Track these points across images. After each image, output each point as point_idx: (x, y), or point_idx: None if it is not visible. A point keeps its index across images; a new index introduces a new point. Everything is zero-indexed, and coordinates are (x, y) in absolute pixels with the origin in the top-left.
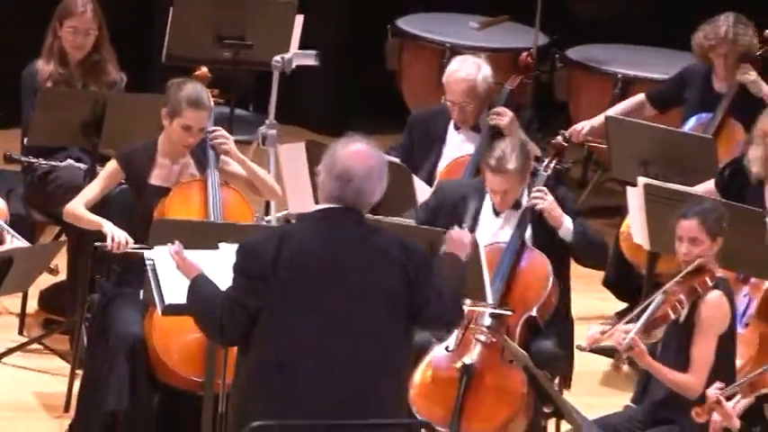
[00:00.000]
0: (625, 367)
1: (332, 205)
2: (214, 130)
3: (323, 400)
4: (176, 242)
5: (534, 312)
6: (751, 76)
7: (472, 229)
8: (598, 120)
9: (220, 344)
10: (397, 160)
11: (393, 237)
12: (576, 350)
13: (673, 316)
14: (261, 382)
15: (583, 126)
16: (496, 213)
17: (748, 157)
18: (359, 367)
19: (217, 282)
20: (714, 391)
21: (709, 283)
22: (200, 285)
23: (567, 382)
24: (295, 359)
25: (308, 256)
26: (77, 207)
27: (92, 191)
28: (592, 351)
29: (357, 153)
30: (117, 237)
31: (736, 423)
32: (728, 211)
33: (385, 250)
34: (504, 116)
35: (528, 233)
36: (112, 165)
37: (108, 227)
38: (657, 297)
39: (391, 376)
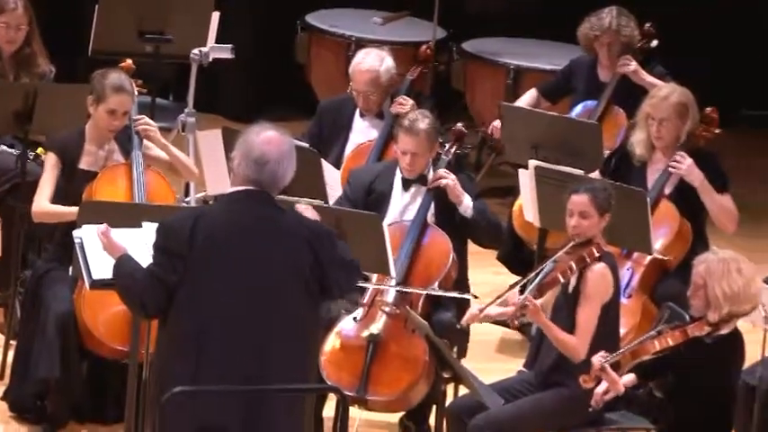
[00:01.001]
0: (518, 336)
1: (245, 187)
2: (139, 118)
3: (238, 367)
4: (105, 224)
5: (436, 285)
6: (631, 66)
7: (384, 206)
8: None
9: (143, 317)
10: (306, 145)
11: (300, 217)
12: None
13: (562, 280)
14: (180, 351)
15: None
16: (405, 188)
17: (631, 140)
18: (271, 337)
19: (140, 257)
20: (599, 359)
21: (596, 254)
22: (123, 264)
23: (463, 350)
24: (211, 330)
25: (222, 235)
26: (46, 206)
27: (47, 187)
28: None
29: (270, 139)
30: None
31: (621, 388)
32: (614, 191)
33: (293, 229)
34: (405, 105)
35: (431, 212)
36: (52, 157)
37: None
38: (548, 265)
39: (302, 345)
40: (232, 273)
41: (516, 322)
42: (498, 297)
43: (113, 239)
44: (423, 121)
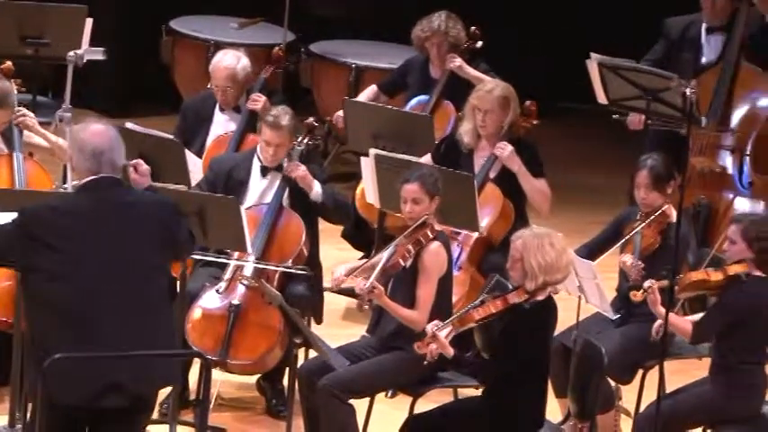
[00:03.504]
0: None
1: (93, 176)
2: (19, 111)
3: (108, 336)
4: None
5: (290, 262)
6: (456, 61)
7: (243, 191)
8: None
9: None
10: (171, 137)
11: (147, 195)
12: (324, 292)
13: (403, 263)
14: (56, 324)
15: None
16: (263, 175)
17: (460, 130)
18: (133, 305)
19: None
20: (431, 328)
21: (430, 236)
22: None
23: (318, 318)
24: (83, 303)
25: (82, 219)
26: None
27: None
28: (339, 293)
29: (97, 131)
30: None
31: (450, 351)
32: (444, 176)
33: (144, 206)
34: (259, 101)
35: (286, 197)
36: None
37: None
38: (390, 248)
39: (162, 311)
40: (95, 251)
41: (365, 306)
42: (359, 267)
43: None
44: (284, 117)
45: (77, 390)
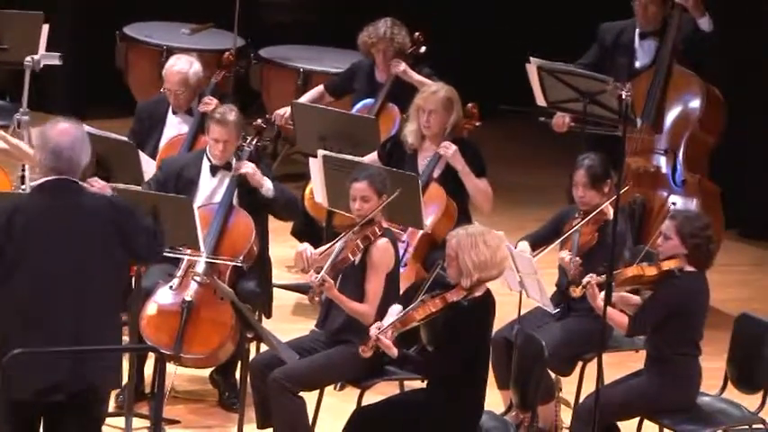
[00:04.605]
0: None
1: (51, 177)
2: None
3: (58, 336)
4: None
5: (241, 258)
6: (401, 66)
7: (193, 190)
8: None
9: None
10: (125, 139)
11: (102, 197)
12: (274, 288)
13: (352, 258)
14: (12, 322)
15: (285, 111)
16: (213, 174)
17: (405, 131)
18: (88, 303)
19: None
20: (374, 330)
21: (378, 232)
22: None
23: (267, 313)
24: (37, 302)
25: (36, 221)
26: None
27: None
28: (289, 289)
29: (63, 130)
30: None
31: (395, 352)
32: (389, 175)
33: (96, 208)
34: (210, 104)
35: (235, 197)
36: None
37: None
38: (339, 244)
39: (109, 313)
40: (48, 252)
41: (317, 299)
42: (323, 252)
43: None
44: (230, 113)
45: (28, 385)
